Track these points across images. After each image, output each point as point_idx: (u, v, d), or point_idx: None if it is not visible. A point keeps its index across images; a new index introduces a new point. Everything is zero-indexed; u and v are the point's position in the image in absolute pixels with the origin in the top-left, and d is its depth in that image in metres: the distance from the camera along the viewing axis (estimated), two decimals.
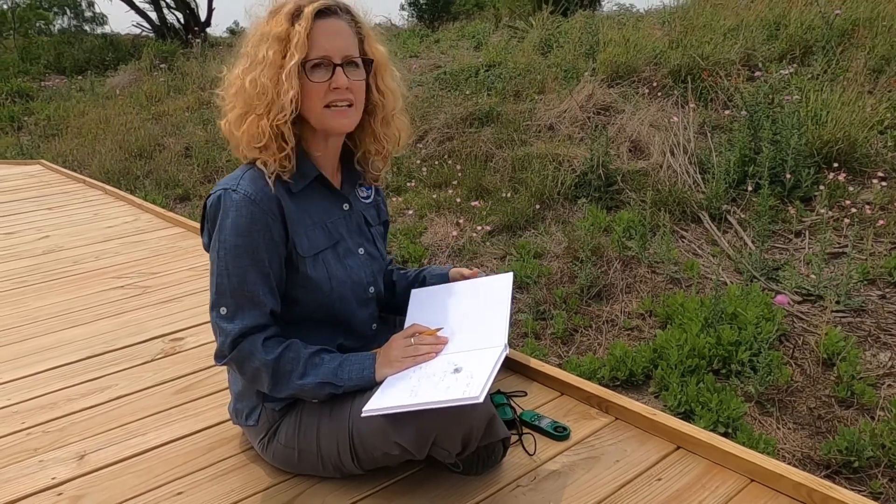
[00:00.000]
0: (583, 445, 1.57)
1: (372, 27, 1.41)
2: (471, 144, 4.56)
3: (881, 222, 2.94)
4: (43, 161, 5.78)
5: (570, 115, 4.55)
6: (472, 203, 3.86)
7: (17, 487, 1.50)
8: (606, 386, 2.16)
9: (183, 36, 13.34)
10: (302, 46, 1.27)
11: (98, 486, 1.50)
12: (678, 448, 1.55)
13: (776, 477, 1.39)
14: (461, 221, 3.71)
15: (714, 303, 2.43)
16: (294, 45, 1.27)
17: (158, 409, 1.81)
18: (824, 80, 3.93)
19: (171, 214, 3.73)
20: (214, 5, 14.19)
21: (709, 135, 3.92)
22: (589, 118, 4.47)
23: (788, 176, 3.24)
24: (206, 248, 1.38)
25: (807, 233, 3.06)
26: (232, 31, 18.25)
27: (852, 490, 1.49)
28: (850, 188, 3.22)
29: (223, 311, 1.33)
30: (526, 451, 1.53)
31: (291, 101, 1.28)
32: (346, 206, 1.48)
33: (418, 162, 4.60)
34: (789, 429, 2.03)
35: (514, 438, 1.55)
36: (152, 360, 2.09)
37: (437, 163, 4.51)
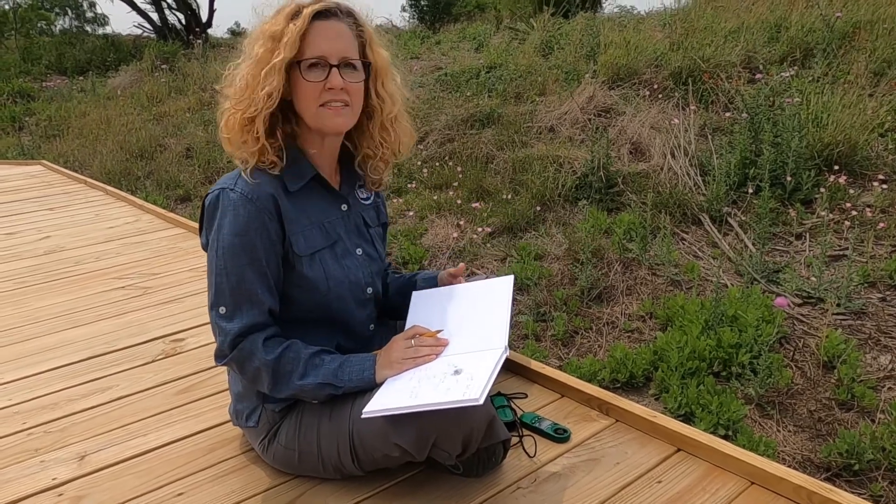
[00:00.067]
0: (583, 447, 1.57)
1: (376, 31, 1.41)
2: (471, 146, 4.56)
3: (882, 225, 2.94)
4: (44, 161, 5.79)
5: (571, 117, 4.55)
6: (473, 204, 3.86)
7: (18, 488, 1.50)
8: (607, 388, 2.17)
9: (184, 37, 13.35)
10: (291, 45, 1.28)
11: (99, 486, 1.50)
12: (678, 450, 1.55)
13: (776, 479, 1.39)
14: (462, 223, 3.71)
15: (714, 305, 2.43)
16: (283, 44, 1.28)
17: (159, 409, 1.81)
18: (825, 83, 3.93)
19: (171, 215, 3.74)
20: (216, 6, 14.21)
21: (709, 137, 3.92)
22: (590, 120, 4.47)
23: (789, 178, 3.24)
24: (205, 247, 1.38)
25: (807, 235, 3.06)
26: (233, 32, 18.26)
27: (852, 493, 1.49)
28: (851, 191, 3.22)
29: (222, 310, 1.33)
30: (526, 453, 1.54)
31: (266, 96, 1.29)
32: (344, 207, 1.48)
33: (419, 163, 4.61)
34: (789, 431, 2.03)
35: (514, 440, 1.55)
36: (153, 361, 2.09)
37: (437, 164, 4.51)
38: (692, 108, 4.14)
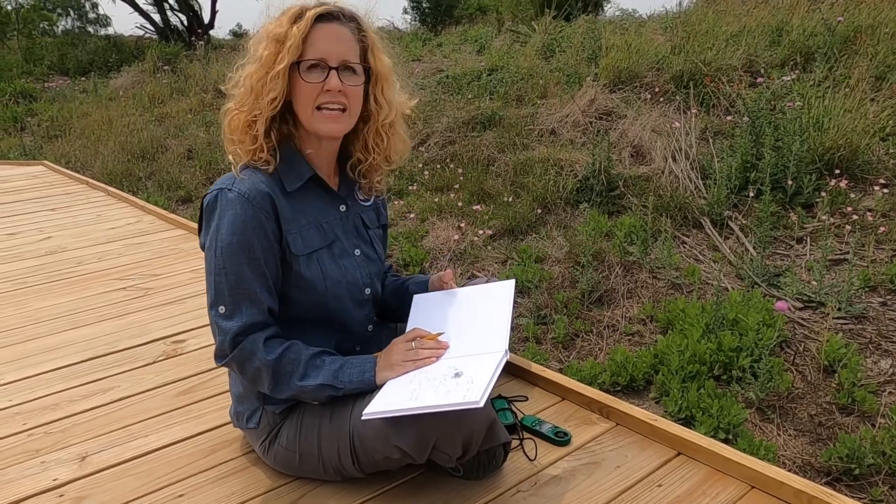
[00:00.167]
0: (584, 451, 1.57)
1: (380, 38, 1.42)
2: (473, 148, 4.57)
3: (883, 229, 2.94)
4: (46, 162, 5.80)
5: (572, 120, 4.56)
6: (474, 207, 3.86)
7: (19, 488, 1.51)
8: (607, 391, 2.17)
9: (186, 38, 13.37)
10: (295, 49, 1.29)
11: (100, 487, 1.50)
12: (679, 454, 1.55)
13: (777, 484, 1.39)
14: (463, 225, 3.71)
15: (715, 308, 2.43)
16: (287, 48, 1.29)
17: (160, 411, 1.81)
18: (826, 87, 3.93)
19: (173, 216, 3.74)
20: (218, 7, 14.22)
21: (710, 140, 3.92)
22: (591, 123, 4.47)
23: (790, 182, 3.24)
24: (203, 248, 1.39)
25: (808, 239, 3.06)
26: (235, 34, 18.28)
27: (853, 497, 1.49)
28: (852, 195, 3.22)
29: (221, 309, 1.33)
30: (527, 456, 1.54)
31: (271, 101, 1.31)
32: (342, 208, 1.49)
33: (420, 165, 4.61)
34: (790, 435, 2.03)
35: (514, 443, 1.55)
36: (154, 362, 2.09)
37: (438, 166, 4.52)
38: (693, 111, 4.14)
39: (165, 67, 9.61)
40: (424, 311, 1.54)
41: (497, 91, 5.38)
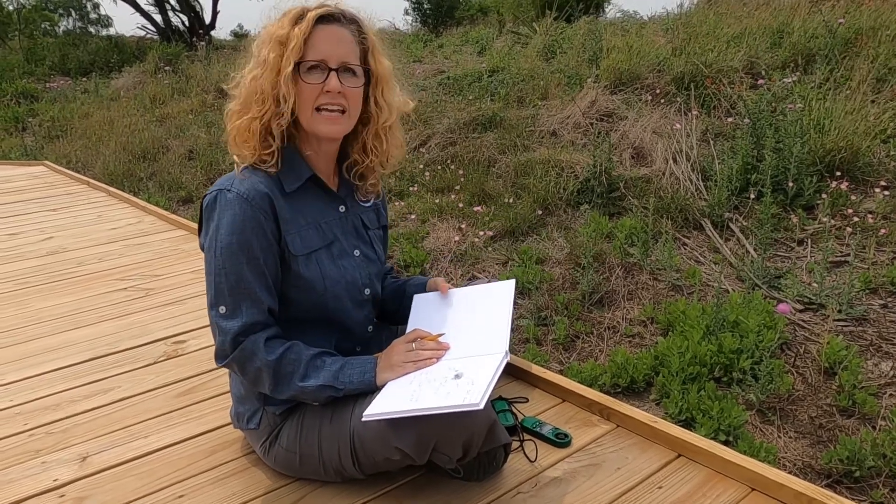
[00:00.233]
0: (584, 452, 1.57)
1: (380, 41, 1.42)
2: (473, 150, 4.57)
3: (883, 231, 2.94)
4: (47, 162, 5.81)
5: (573, 122, 4.56)
6: (475, 208, 3.86)
7: (20, 489, 1.51)
8: (607, 393, 2.17)
9: (187, 39, 13.38)
10: (297, 50, 1.30)
11: (100, 488, 1.50)
12: (679, 456, 1.55)
13: (777, 486, 1.39)
14: (463, 226, 3.72)
15: (716, 310, 2.43)
16: (290, 49, 1.30)
17: (161, 411, 1.81)
18: (827, 89, 3.93)
19: (174, 217, 3.75)
20: (219, 8, 14.24)
21: (711, 142, 3.92)
22: (592, 124, 4.47)
23: (791, 184, 3.24)
24: (203, 248, 1.39)
25: (809, 241, 3.06)
26: (236, 35, 18.30)
27: (853, 500, 1.49)
28: (853, 197, 3.22)
29: (222, 309, 1.34)
30: (527, 458, 1.54)
31: (277, 103, 1.32)
32: (342, 209, 1.49)
33: (421, 166, 4.61)
34: (790, 437, 2.03)
35: (515, 445, 1.56)
36: (155, 363, 2.10)
37: (439, 167, 4.52)
38: (694, 113, 4.14)
39: (167, 68, 9.62)
40: (424, 312, 1.55)
41: (498, 92, 5.38)
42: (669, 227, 3.29)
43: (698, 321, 2.45)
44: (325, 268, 1.42)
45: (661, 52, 5.03)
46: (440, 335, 1.43)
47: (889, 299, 2.61)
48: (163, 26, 14.02)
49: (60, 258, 3.15)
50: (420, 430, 1.26)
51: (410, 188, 4.41)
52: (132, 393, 1.92)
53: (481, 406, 1.17)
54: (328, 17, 1.34)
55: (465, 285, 1.68)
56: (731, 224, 3.29)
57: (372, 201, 1.57)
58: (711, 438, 1.78)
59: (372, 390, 1.35)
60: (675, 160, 3.84)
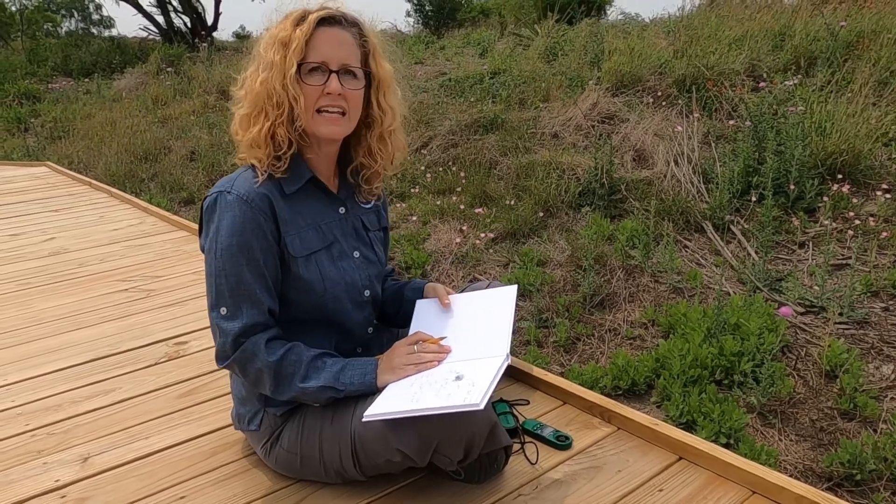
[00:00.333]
0: (585, 455, 1.57)
1: (382, 44, 1.43)
2: (475, 151, 4.57)
3: (885, 234, 2.94)
4: (49, 163, 5.82)
5: (575, 124, 4.56)
6: (476, 210, 3.86)
7: (21, 489, 1.51)
8: (608, 395, 2.17)
9: (190, 40, 13.40)
10: (298, 51, 1.31)
11: (101, 488, 1.50)
12: (680, 459, 1.55)
13: (778, 489, 1.39)
14: (465, 228, 3.72)
15: (717, 313, 2.43)
16: (291, 50, 1.30)
17: (162, 412, 1.82)
18: (829, 92, 3.93)
19: (175, 218, 3.75)
20: (221, 10, 14.26)
21: (713, 145, 3.92)
22: (593, 127, 4.48)
23: (792, 187, 3.24)
24: (203, 250, 1.40)
25: (810, 244, 3.06)
26: (238, 36, 18.34)
27: (854, 503, 1.49)
28: (855, 200, 3.22)
29: (223, 311, 1.34)
30: (528, 460, 1.54)
31: (289, 105, 1.32)
32: (342, 210, 1.50)
33: (422, 168, 4.62)
34: (791, 440, 2.03)
35: (516, 447, 1.56)
36: (156, 364, 2.10)
37: (441, 169, 4.52)
38: (696, 115, 4.14)
39: (169, 69, 9.64)
40: (426, 316, 1.55)
41: (499, 94, 5.38)
42: (671, 229, 3.29)
43: (699, 324, 2.45)
44: (324, 269, 1.42)
45: (662, 55, 5.03)
46: (442, 339, 1.44)
47: (890, 302, 2.61)
48: (165, 27, 14.05)
49: (62, 259, 3.16)
50: (421, 431, 1.26)
51: (412, 190, 4.41)
52: (133, 394, 1.92)
53: (482, 406, 1.18)
54: (329, 20, 1.35)
55: (466, 287, 1.69)
56: (732, 227, 3.29)
57: (372, 203, 1.58)
58: (712, 441, 1.78)
59: (372, 392, 1.35)
60: (676, 163, 3.84)
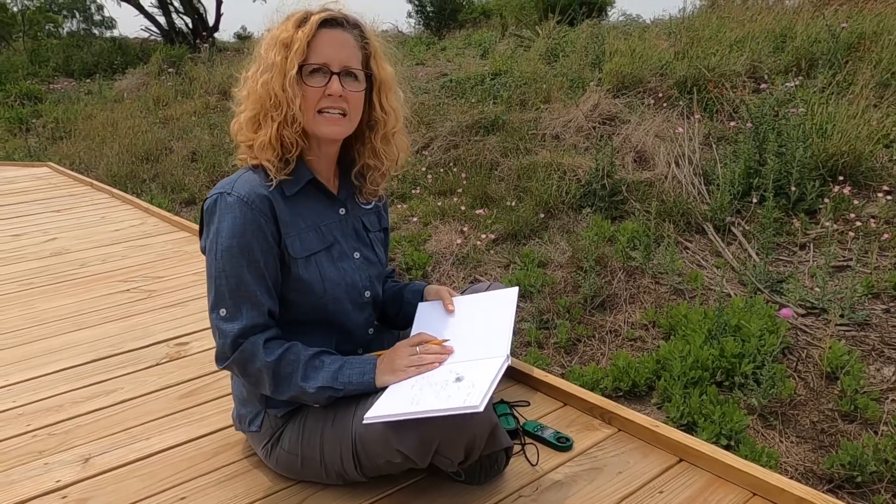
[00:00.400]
0: (585, 456, 1.57)
1: (383, 46, 1.43)
2: (476, 152, 4.57)
3: (886, 236, 2.94)
4: (50, 163, 5.83)
5: (576, 125, 4.56)
6: (477, 211, 3.87)
7: (22, 490, 1.51)
8: (609, 396, 2.17)
9: (191, 40, 13.42)
10: (300, 52, 1.31)
11: (103, 489, 1.51)
12: (680, 461, 1.55)
13: (778, 491, 1.39)
14: (466, 229, 3.72)
15: (717, 314, 2.43)
16: (294, 51, 1.31)
17: (163, 413, 1.82)
18: (830, 93, 3.93)
19: (176, 218, 3.75)
20: (222, 10, 14.27)
21: (714, 146, 3.92)
22: (594, 128, 4.48)
23: (793, 188, 3.24)
24: (204, 251, 1.40)
25: (811, 246, 3.06)
26: (240, 37, 18.35)
27: None
28: (856, 201, 3.22)
29: (222, 312, 1.35)
30: (528, 462, 1.54)
31: (299, 108, 1.33)
32: (342, 211, 1.50)
33: (423, 169, 4.62)
34: (792, 442, 2.03)
35: (516, 448, 1.56)
36: (157, 365, 2.10)
37: (442, 170, 4.53)
38: (697, 117, 4.14)
39: (170, 70, 9.65)
40: (428, 318, 1.55)
41: (500, 95, 5.39)
42: (671, 230, 3.29)
43: (700, 325, 2.45)
44: (324, 270, 1.42)
45: (663, 56, 5.04)
46: (445, 341, 1.44)
47: (891, 304, 2.61)
48: (166, 28, 14.06)
49: (63, 259, 3.16)
50: (422, 433, 1.26)
51: (413, 191, 4.41)
52: (135, 395, 1.92)
53: (481, 408, 1.18)
54: (331, 22, 1.35)
55: (467, 289, 1.69)
56: (733, 228, 3.29)
57: (373, 204, 1.58)
58: (713, 443, 1.78)
59: (371, 391, 1.35)
60: (677, 164, 3.84)
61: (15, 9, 17.75)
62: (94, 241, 3.44)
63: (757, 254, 3.05)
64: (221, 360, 1.37)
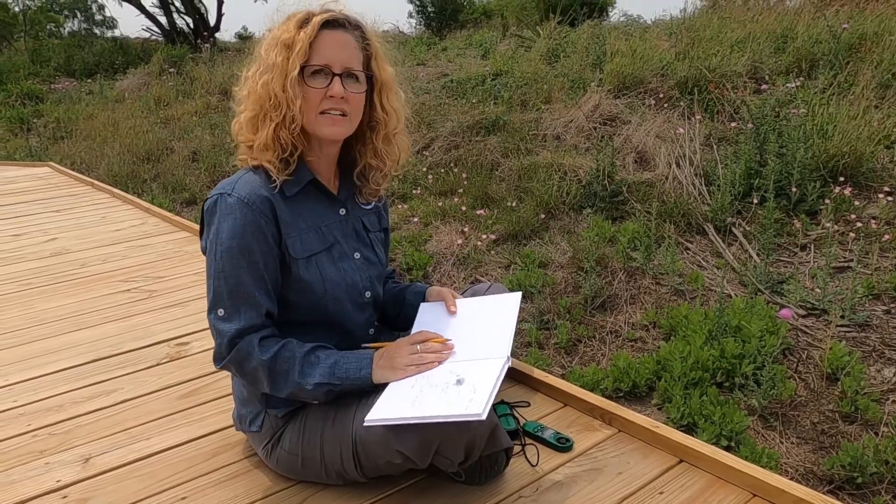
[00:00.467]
0: (585, 457, 1.57)
1: (384, 47, 1.43)
2: (477, 153, 4.57)
3: (887, 237, 2.94)
4: (51, 163, 5.83)
5: (577, 125, 4.56)
6: (478, 211, 3.87)
7: (23, 489, 1.51)
8: (609, 397, 2.17)
9: (192, 40, 13.42)
10: (302, 53, 1.31)
11: (103, 489, 1.51)
12: (681, 461, 1.55)
13: (778, 492, 1.39)
14: (466, 230, 3.72)
15: (718, 315, 2.43)
16: (296, 53, 1.31)
17: (163, 413, 1.82)
18: (831, 94, 3.93)
19: (177, 218, 3.76)
20: (224, 10, 14.28)
21: (715, 147, 3.92)
22: (595, 128, 4.48)
23: (794, 189, 3.24)
24: (204, 251, 1.40)
25: (812, 246, 3.06)
26: (241, 37, 18.36)
27: None
28: (856, 202, 3.22)
29: (220, 312, 1.35)
30: (529, 462, 1.54)
31: (299, 110, 1.32)
32: (342, 212, 1.50)
33: (424, 169, 4.62)
34: (792, 443, 2.03)
35: (516, 449, 1.56)
36: (157, 365, 2.10)
37: (442, 171, 4.53)
38: (697, 117, 4.14)
39: (171, 70, 9.65)
40: (429, 318, 1.55)
41: (501, 96, 5.39)
42: (672, 231, 3.29)
43: (701, 326, 2.44)
44: (325, 270, 1.42)
45: (664, 57, 5.04)
46: (447, 340, 1.44)
47: (892, 305, 2.60)
48: (167, 28, 14.07)
49: (64, 259, 3.16)
50: (422, 434, 1.26)
51: (413, 191, 4.41)
52: (135, 395, 1.92)
53: (484, 417, 1.18)
54: (333, 23, 1.35)
55: (467, 289, 1.69)
56: (733, 229, 3.29)
57: (373, 204, 1.58)
58: (713, 444, 1.77)
59: (368, 386, 1.35)
60: (678, 165, 3.84)
61: (16, 9, 17.77)
62: (95, 241, 3.45)
63: (758, 254, 3.05)
64: (219, 359, 1.37)
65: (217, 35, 14.49)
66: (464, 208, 3.96)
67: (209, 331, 1.39)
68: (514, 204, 3.84)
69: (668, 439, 1.57)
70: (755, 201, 3.33)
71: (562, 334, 2.67)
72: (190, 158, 6.06)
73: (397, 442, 1.28)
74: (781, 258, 3.04)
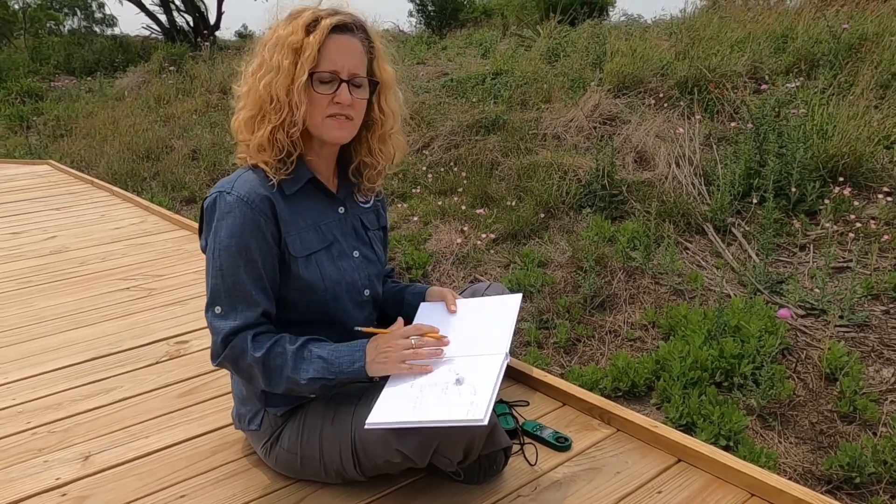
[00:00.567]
0: (584, 456, 1.57)
1: (384, 45, 1.43)
2: (477, 152, 4.57)
3: (886, 237, 2.94)
4: (51, 161, 5.83)
5: (576, 125, 4.56)
6: (477, 211, 3.87)
7: (22, 487, 1.52)
8: (608, 397, 2.17)
9: (192, 39, 13.42)
10: (312, 59, 1.30)
11: (102, 487, 1.51)
12: (679, 461, 1.55)
13: (777, 492, 1.39)
14: (466, 229, 3.72)
15: (717, 315, 2.43)
16: (305, 58, 1.30)
17: (162, 411, 1.82)
18: (831, 94, 3.93)
19: (177, 217, 3.76)
20: (224, 9, 14.27)
21: (714, 147, 3.92)
22: (595, 128, 4.48)
23: (794, 189, 3.24)
24: (204, 250, 1.40)
25: (811, 247, 3.06)
26: (241, 35, 18.36)
27: None
28: (856, 203, 3.22)
29: (217, 310, 1.35)
30: (527, 461, 1.54)
31: (303, 115, 1.32)
32: (341, 210, 1.50)
33: (424, 168, 4.62)
34: (791, 443, 2.03)
35: (515, 448, 1.56)
36: (157, 363, 2.10)
37: (442, 170, 4.53)
38: (697, 117, 4.14)
39: (171, 68, 9.65)
40: (429, 317, 1.55)
41: (501, 95, 5.39)
42: (672, 231, 3.29)
43: (700, 326, 2.45)
44: (324, 269, 1.42)
45: (664, 57, 5.03)
46: (442, 337, 1.43)
47: (891, 305, 2.61)
48: (167, 26, 14.06)
49: (63, 257, 3.16)
50: (422, 434, 1.26)
51: (413, 190, 4.41)
52: (134, 393, 1.92)
53: (485, 422, 1.18)
54: (342, 27, 1.34)
55: (466, 289, 1.69)
56: (733, 229, 3.29)
57: (372, 202, 1.58)
58: (712, 443, 1.78)
59: (363, 378, 1.34)
60: (677, 164, 3.84)
61: (16, 6, 17.75)
62: (94, 239, 3.45)
63: (757, 254, 3.05)
64: (214, 357, 1.38)
65: (217, 33, 14.49)
66: (463, 207, 3.96)
67: (208, 329, 1.39)
68: (513, 203, 3.84)
69: (666, 439, 1.58)
70: (755, 201, 3.33)
71: (561, 334, 2.68)
72: (189, 157, 6.06)
73: (397, 441, 1.28)
74: (781, 258, 3.04)
